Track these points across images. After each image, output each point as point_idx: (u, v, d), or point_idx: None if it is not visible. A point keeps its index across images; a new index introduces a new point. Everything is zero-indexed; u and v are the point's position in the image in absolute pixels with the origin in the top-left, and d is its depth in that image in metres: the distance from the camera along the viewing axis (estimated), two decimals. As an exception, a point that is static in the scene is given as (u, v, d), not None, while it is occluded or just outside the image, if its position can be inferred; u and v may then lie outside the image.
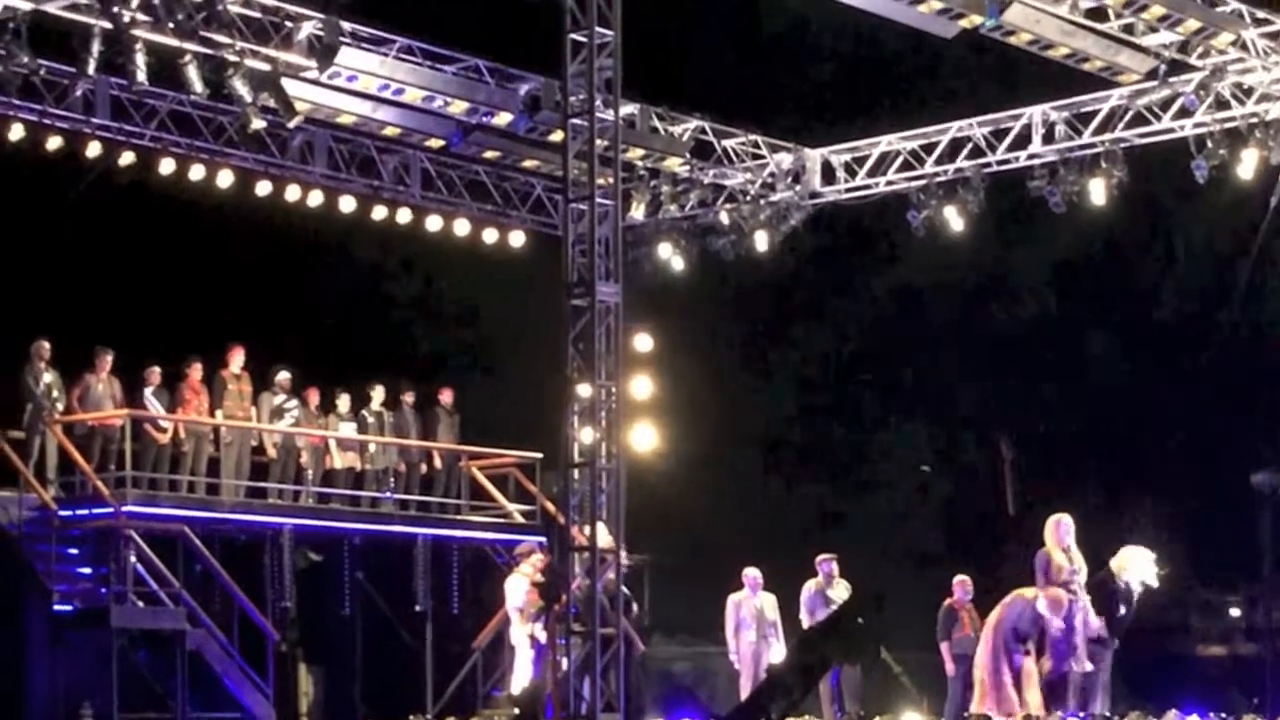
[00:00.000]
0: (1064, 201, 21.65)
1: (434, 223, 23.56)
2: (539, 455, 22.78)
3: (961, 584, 20.76)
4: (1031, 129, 21.87)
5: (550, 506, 22.06)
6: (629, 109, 21.22)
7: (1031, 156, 21.89)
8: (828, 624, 17.04)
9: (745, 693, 20.33)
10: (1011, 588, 18.81)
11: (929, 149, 22.63)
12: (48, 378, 20.18)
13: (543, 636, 18.60)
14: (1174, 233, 26.51)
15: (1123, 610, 18.52)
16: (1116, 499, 25.95)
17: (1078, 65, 19.80)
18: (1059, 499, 25.92)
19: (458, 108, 20.64)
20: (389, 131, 21.56)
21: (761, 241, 23.67)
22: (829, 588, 20.68)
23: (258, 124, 19.62)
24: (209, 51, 18.41)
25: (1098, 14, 18.85)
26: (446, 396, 23.50)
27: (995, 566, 22.60)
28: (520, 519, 23.23)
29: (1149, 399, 26.15)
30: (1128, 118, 21.21)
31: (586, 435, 16.96)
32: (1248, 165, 20.51)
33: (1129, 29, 19.21)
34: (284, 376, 21.86)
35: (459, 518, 23.12)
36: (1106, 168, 21.33)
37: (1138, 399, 26.26)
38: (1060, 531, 18.37)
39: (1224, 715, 19.65)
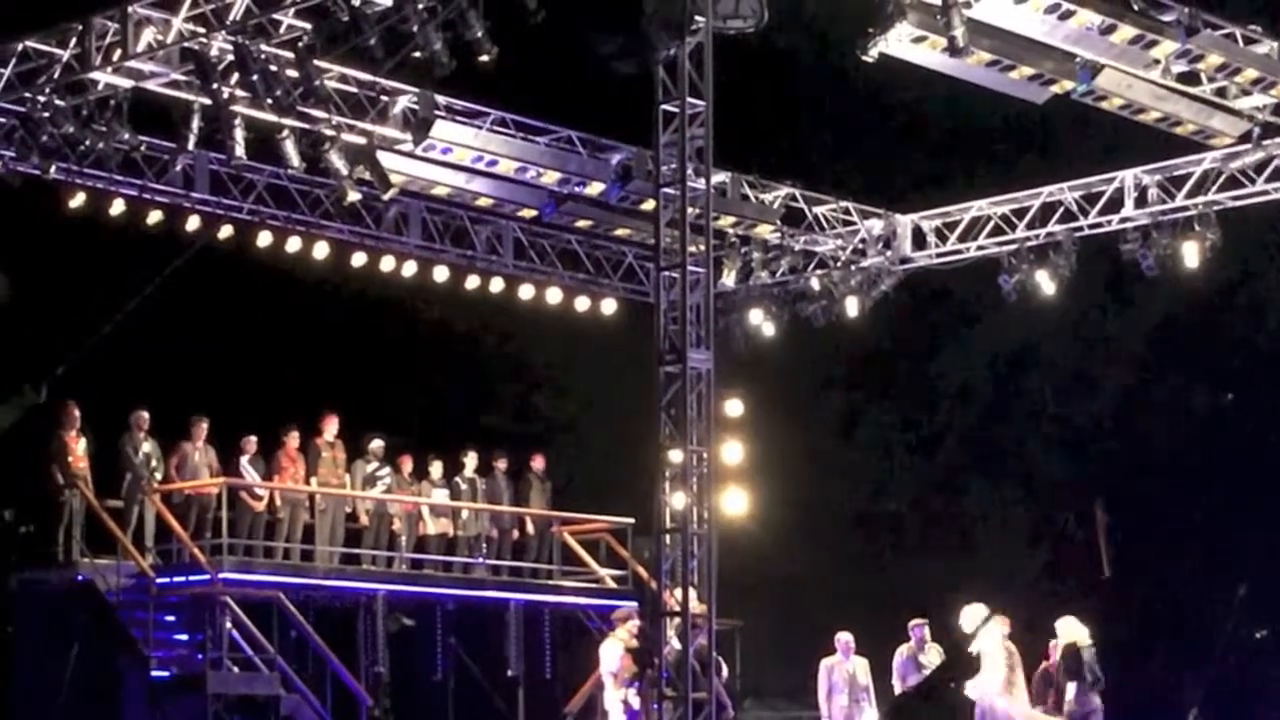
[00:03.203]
0: (1157, 265, 21.55)
1: (527, 291, 23.77)
2: (631, 521, 22.83)
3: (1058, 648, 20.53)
4: (1124, 193, 21.80)
5: (642, 571, 22.08)
6: (720, 177, 21.33)
7: (1124, 220, 21.82)
8: (920, 689, 17.01)
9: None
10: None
11: (1020, 214, 22.61)
12: (146, 447, 20.47)
13: (636, 702, 18.60)
14: (1270, 295, 26.26)
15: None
16: (1213, 564, 25.65)
17: (1170, 129, 19.71)
18: (1156, 564, 25.76)
19: (550, 178, 20.83)
20: (482, 202, 21.76)
21: (852, 307, 23.69)
22: (921, 653, 20.56)
23: (353, 196, 19.93)
24: (306, 126, 18.71)
25: (1190, 78, 18.76)
26: (538, 463, 23.63)
27: (1092, 630, 22.39)
28: (612, 584, 23.28)
29: (1248, 463, 25.85)
30: (1221, 180, 21.11)
31: (678, 500, 16.98)
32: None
33: (1221, 92, 19.12)
34: (377, 444, 22.06)
35: (551, 583, 23.20)
36: (1200, 231, 21.23)
37: (1236, 463, 25.96)
38: None
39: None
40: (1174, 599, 25.58)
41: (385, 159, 19.59)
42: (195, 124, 18.36)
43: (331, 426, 21.66)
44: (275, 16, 17.14)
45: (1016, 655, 19.16)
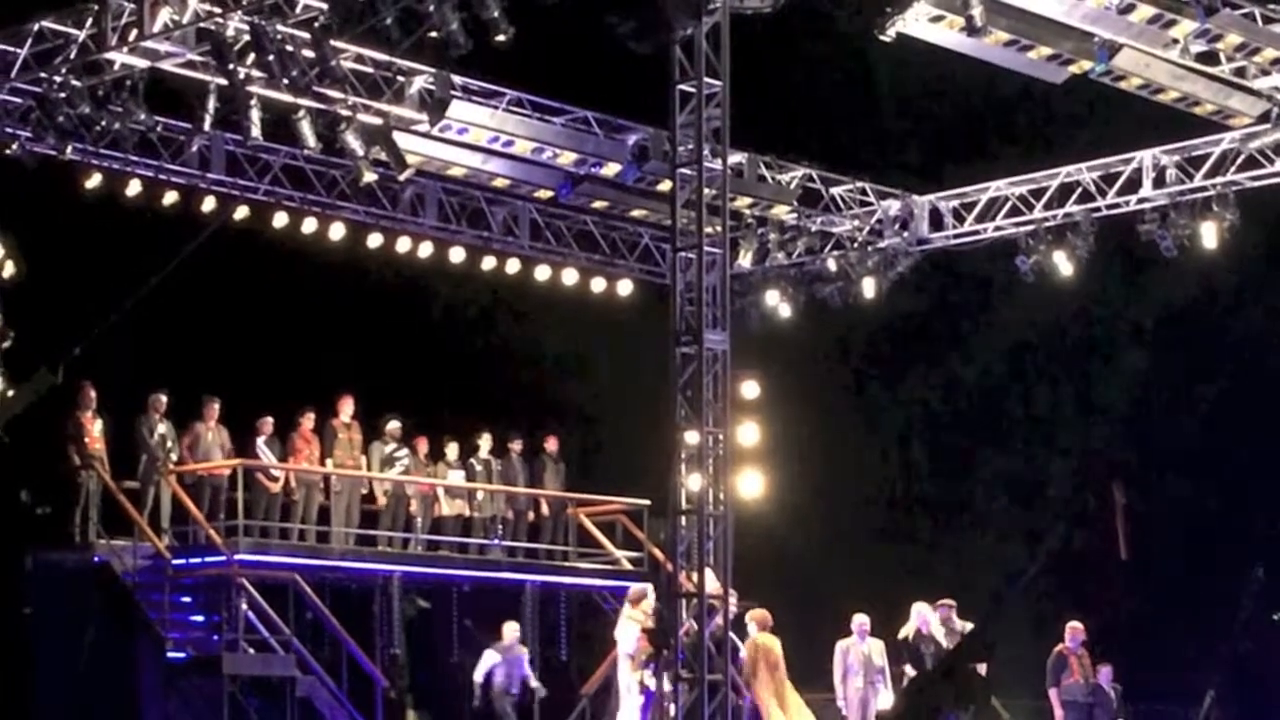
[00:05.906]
0: (1175, 246, 21.48)
1: (542, 272, 23.74)
2: (646, 502, 22.82)
3: (1073, 630, 20.56)
4: (1142, 173, 21.73)
5: (658, 553, 22.06)
6: (736, 158, 21.24)
7: (1142, 201, 21.75)
8: (939, 669, 16.95)
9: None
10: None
11: (1038, 194, 22.54)
12: (162, 429, 20.48)
13: (652, 683, 18.59)
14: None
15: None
16: (1230, 546, 25.58)
17: (1188, 109, 19.63)
18: (1174, 545, 25.71)
19: (566, 159, 20.80)
20: (499, 183, 21.74)
21: (869, 288, 23.64)
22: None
23: (369, 177, 19.90)
24: (322, 107, 18.70)
25: (1208, 58, 18.68)
26: (553, 444, 23.62)
27: (1108, 612, 22.40)
28: (628, 565, 23.27)
29: (1266, 443, 25.78)
30: (1240, 161, 21.03)
31: (694, 482, 16.97)
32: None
33: (1240, 72, 19.03)
34: (394, 425, 22.06)
35: (566, 564, 23.21)
36: (1218, 211, 21.15)
37: (1254, 443, 25.89)
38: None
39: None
40: (1191, 580, 25.51)
41: (401, 139, 19.56)
42: (211, 104, 18.37)
43: (347, 407, 21.66)
44: (291, -4, 17.14)
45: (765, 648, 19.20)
